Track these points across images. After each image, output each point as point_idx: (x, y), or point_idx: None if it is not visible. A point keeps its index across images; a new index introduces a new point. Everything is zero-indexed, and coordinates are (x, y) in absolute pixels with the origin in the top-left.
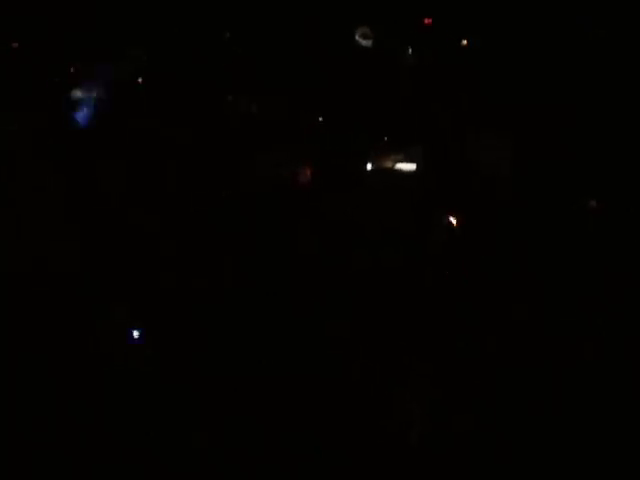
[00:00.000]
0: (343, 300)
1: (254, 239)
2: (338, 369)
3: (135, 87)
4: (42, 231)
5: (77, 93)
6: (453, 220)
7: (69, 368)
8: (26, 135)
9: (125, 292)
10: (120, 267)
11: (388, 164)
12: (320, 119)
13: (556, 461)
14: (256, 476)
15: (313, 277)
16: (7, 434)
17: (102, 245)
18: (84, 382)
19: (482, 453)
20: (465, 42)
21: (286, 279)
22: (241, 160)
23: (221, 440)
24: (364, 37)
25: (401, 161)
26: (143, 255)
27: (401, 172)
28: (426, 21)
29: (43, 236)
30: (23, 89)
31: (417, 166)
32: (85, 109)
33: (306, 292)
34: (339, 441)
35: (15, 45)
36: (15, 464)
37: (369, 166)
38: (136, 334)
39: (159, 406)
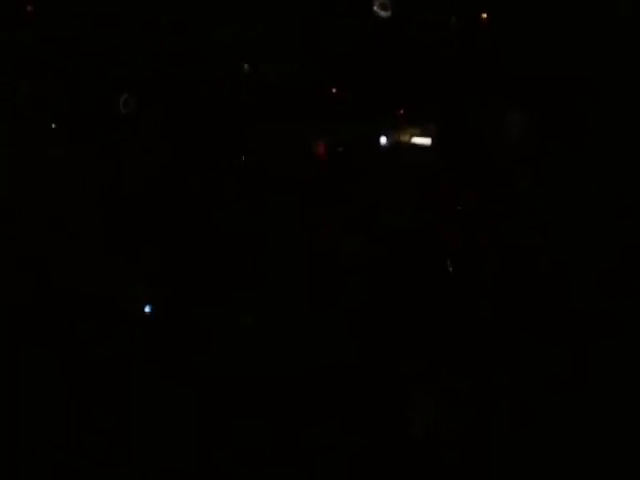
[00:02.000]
0: (359, 283)
1: (268, 218)
2: (350, 359)
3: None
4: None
5: None
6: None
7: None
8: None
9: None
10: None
11: (404, 138)
12: (334, 91)
13: (560, 459)
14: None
15: (328, 261)
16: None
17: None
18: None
19: (487, 448)
20: (485, 15)
21: (302, 263)
22: (256, 131)
23: (227, 433)
24: (382, 8)
25: (417, 135)
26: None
27: (417, 147)
28: None
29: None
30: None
31: (433, 141)
32: None
33: (322, 275)
34: (345, 436)
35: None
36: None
37: (384, 140)
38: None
39: (163, 402)
